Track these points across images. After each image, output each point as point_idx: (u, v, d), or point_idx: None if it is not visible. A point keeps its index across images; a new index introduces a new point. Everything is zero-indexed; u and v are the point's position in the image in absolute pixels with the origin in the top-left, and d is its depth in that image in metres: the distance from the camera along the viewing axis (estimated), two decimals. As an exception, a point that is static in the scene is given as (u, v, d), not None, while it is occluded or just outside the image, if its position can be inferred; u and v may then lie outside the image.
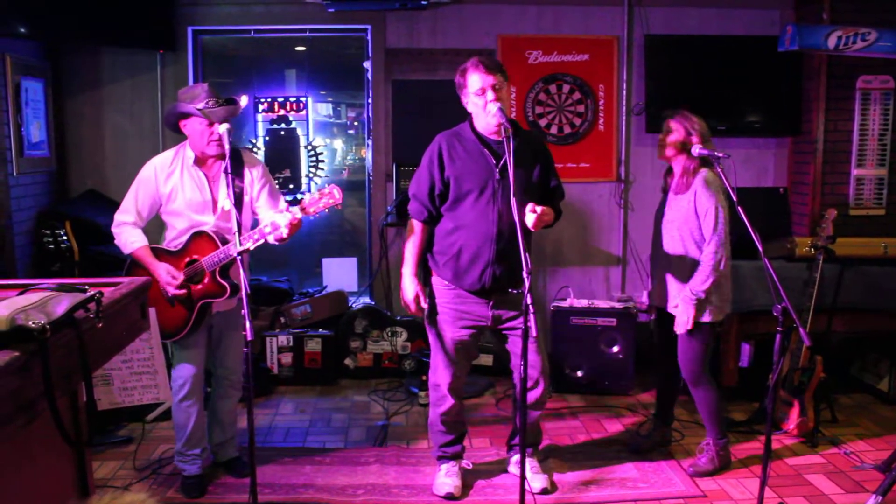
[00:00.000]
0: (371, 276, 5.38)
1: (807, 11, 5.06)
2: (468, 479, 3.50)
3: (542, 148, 3.35)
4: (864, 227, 5.05)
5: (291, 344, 4.90)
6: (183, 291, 3.19)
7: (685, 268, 3.47)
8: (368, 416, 4.41)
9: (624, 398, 4.65)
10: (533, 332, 2.62)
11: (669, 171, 3.62)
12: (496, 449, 3.86)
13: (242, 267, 2.87)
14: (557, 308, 4.79)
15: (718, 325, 3.52)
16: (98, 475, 3.51)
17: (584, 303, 4.81)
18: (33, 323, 1.55)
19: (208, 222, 3.27)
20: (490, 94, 3.09)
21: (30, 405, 1.55)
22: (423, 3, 4.93)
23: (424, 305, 3.33)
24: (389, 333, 5.06)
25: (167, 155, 3.31)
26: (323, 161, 5.53)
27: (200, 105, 3.13)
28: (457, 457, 3.50)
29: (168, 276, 3.17)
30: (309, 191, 5.47)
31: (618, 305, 4.79)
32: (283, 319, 5.09)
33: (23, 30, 4.36)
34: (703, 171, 3.42)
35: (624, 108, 5.34)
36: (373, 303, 5.36)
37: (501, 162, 3.15)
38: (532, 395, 3.32)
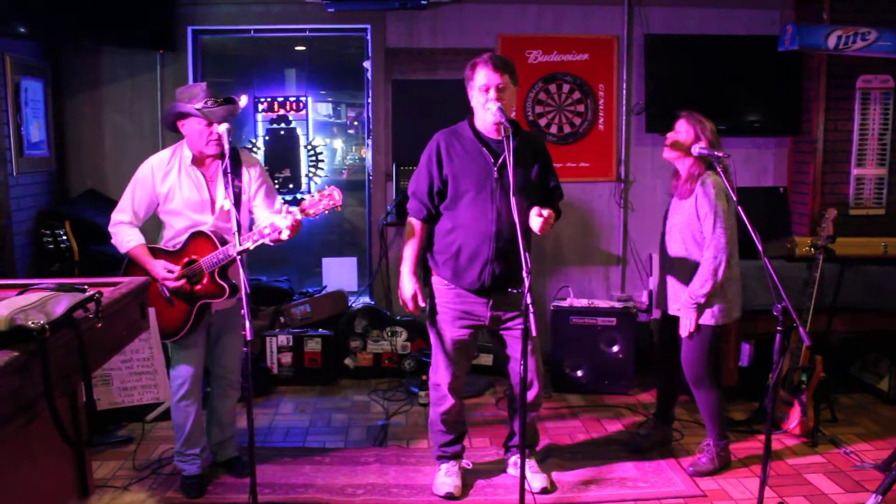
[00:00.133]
0: (371, 275, 5.38)
1: (807, 11, 5.06)
2: (468, 479, 3.50)
3: (542, 148, 3.35)
4: (864, 227, 5.05)
5: (291, 344, 4.90)
6: (181, 283, 3.18)
7: (687, 271, 3.47)
8: (368, 416, 4.41)
9: (624, 398, 4.65)
10: (533, 332, 2.62)
11: (676, 173, 3.60)
12: (496, 449, 3.86)
13: (242, 266, 2.87)
14: (557, 308, 4.78)
15: (721, 328, 3.51)
16: (98, 475, 3.51)
17: (583, 302, 4.81)
18: (33, 323, 1.55)
19: (207, 222, 3.26)
20: (492, 93, 3.09)
21: (29, 405, 1.55)
22: (422, 2, 4.93)
23: (422, 304, 3.33)
24: (389, 333, 5.06)
25: (164, 154, 3.30)
26: (323, 161, 5.53)
27: (199, 105, 3.13)
28: (457, 456, 3.50)
29: (164, 272, 3.16)
30: (309, 190, 5.47)
31: (617, 305, 4.78)
32: (282, 319, 5.09)
33: (22, 29, 4.36)
34: (707, 176, 3.40)
35: (624, 107, 5.34)
36: (373, 302, 5.36)
37: (499, 161, 3.15)
38: (527, 397, 3.32)
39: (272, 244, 3.09)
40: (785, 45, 4.60)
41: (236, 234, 2.90)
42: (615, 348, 4.70)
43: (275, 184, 5.33)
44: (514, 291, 3.21)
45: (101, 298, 1.83)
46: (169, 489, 3.44)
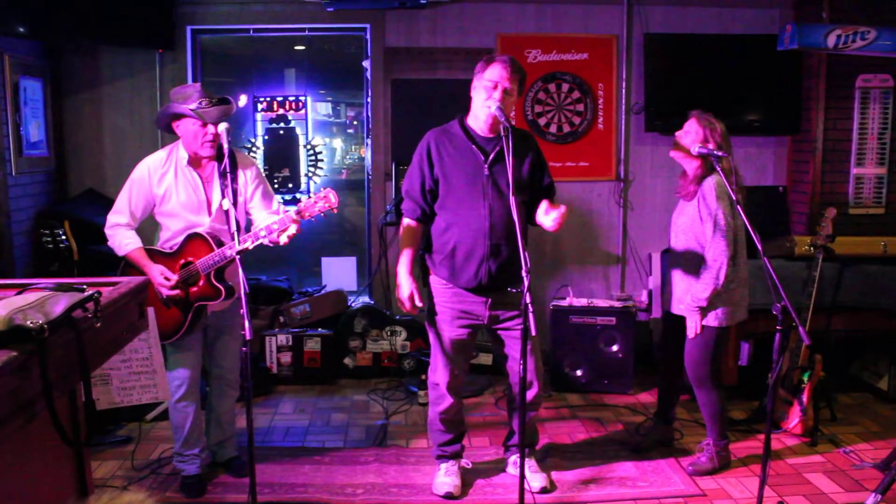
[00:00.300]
0: (370, 275, 5.37)
1: (806, 10, 5.06)
2: (468, 479, 3.50)
3: (535, 146, 3.35)
4: (864, 226, 5.06)
5: (291, 343, 4.89)
6: (177, 292, 3.18)
7: (691, 272, 3.46)
8: (368, 416, 4.41)
9: (623, 397, 4.64)
10: (533, 332, 2.62)
11: (684, 172, 3.57)
12: (495, 448, 3.86)
13: (241, 266, 2.87)
14: (557, 307, 4.78)
15: (725, 329, 3.50)
16: (97, 475, 3.51)
17: (583, 302, 4.80)
18: (31, 323, 1.55)
19: (203, 223, 3.25)
20: (497, 92, 3.09)
21: (28, 405, 1.55)
22: (422, 2, 4.93)
23: (420, 304, 3.33)
24: (389, 333, 5.06)
25: (160, 155, 3.28)
26: (322, 160, 5.53)
27: (193, 105, 3.11)
28: (456, 456, 3.50)
29: (161, 278, 3.15)
30: (308, 190, 5.47)
31: (617, 304, 4.78)
32: (282, 319, 5.08)
33: (21, 29, 4.36)
34: (711, 178, 3.38)
35: (623, 106, 5.34)
36: (372, 302, 5.36)
37: (490, 158, 3.16)
38: (526, 396, 3.32)
39: (270, 244, 3.09)
40: (784, 45, 4.60)
41: (236, 234, 2.90)
42: (615, 348, 4.70)
43: (274, 183, 5.37)
44: (514, 291, 3.21)
45: (100, 298, 1.83)
46: (168, 489, 3.43)
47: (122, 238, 3.22)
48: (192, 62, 5.21)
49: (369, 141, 5.33)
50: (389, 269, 5.13)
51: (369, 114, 5.29)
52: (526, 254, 2.76)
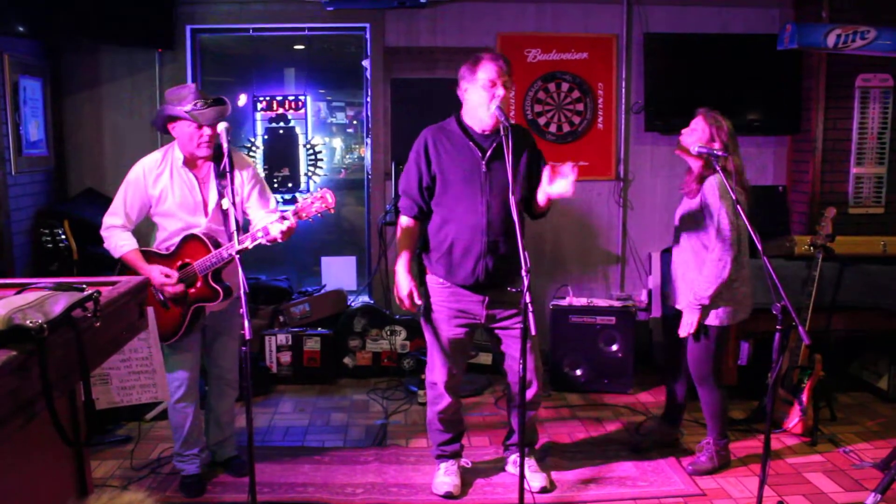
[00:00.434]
0: (370, 274, 5.37)
1: (806, 10, 5.06)
2: (467, 478, 3.50)
3: (532, 141, 3.36)
4: (864, 226, 5.06)
5: (290, 343, 4.89)
6: (180, 288, 3.17)
7: (692, 270, 3.46)
8: (367, 415, 4.41)
9: (623, 397, 4.64)
10: (532, 332, 2.62)
11: (689, 169, 3.55)
12: (495, 447, 3.86)
13: (240, 266, 2.86)
14: (556, 306, 4.78)
15: (727, 328, 3.50)
16: (97, 474, 3.51)
17: (583, 301, 4.80)
18: (31, 322, 1.55)
19: (200, 224, 3.24)
20: (500, 90, 3.10)
21: (28, 405, 1.54)
22: (422, 1, 4.93)
23: (419, 302, 3.32)
24: (388, 332, 5.06)
25: (155, 156, 3.27)
26: (322, 160, 5.53)
27: (188, 107, 3.10)
28: (455, 455, 3.50)
29: (161, 277, 3.13)
30: (308, 189, 5.47)
31: (617, 304, 4.78)
32: (281, 318, 5.08)
33: (21, 28, 4.35)
34: (713, 178, 3.35)
35: (623, 106, 5.34)
36: (372, 301, 5.36)
37: (487, 155, 3.17)
38: (526, 395, 3.31)
39: (268, 243, 3.09)
40: (784, 44, 4.60)
41: (235, 234, 2.89)
42: (614, 347, 4.70)
43: (273, 183, 5.37)
44: (513, 290, 3.21)
45: (100, 298, 1.83)
46: (168, 488, 3.43)
47: (117, 240, 3.21)
48: (192, 62, 5.21)
49: (369, 140, 5.33)
50: (389, 269, 5.13)
51: (369, 113, 5.29)
52: (526, 253, 2.76)
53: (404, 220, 3.33)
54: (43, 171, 4.91)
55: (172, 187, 3.22)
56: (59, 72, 5.05)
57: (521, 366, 2.79)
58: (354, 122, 6.02)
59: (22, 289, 1.83)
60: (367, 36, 5.22)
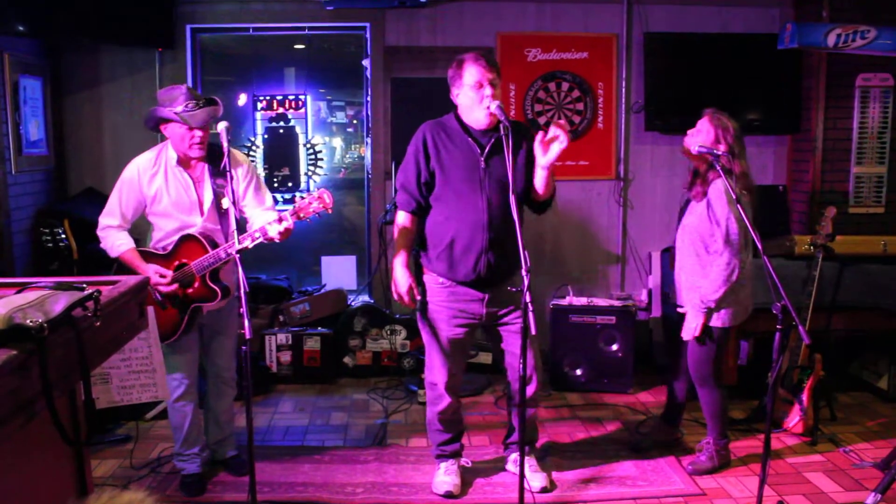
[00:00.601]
0: (370, 274, 5.37)
1: (806, 9, 5.06)
2: (467, 478, 3.50)
3: (530, 135, 3.33)
4: (864, 225, 5.06)
5: (290, 342, 4.89)
6: (174, 287, 3.17)
7: (693, 271, 3.45)
8: (367, 415, 4.40)
9: (623, 396, 4.64)
10: (532, 331, 2.62)
11: (694, 170, 3.52)
12: (495, 447, 3.85)
13: (240, 265, 2.86)
14: (556, 306, 4.78)
15: (729, 330, 3.50)
16: (97, 474, 3.51)
17: (583, 301, 4.80)
18: (31, 322, 1.55)
19: (195, 223, 3.24)
20: (488, 90, 3.10)
21: (28, 404, 1.54)
22: (422, 0, 4.93)
23: (418, 297, 3.32)
24: (388, 332, 5.06)
25: (149, 155, 3.26)
26: (322, 159, 5.53)
27: (179, 108, 3.08)
28: (455, 455, 3.49)
29: (156, 276, 3.13)
30: (308, 189, 5.46)
31: (617, 303, 4.78)
32: (282, 318, 5.08)
33: (21, 28, 4.35)
34: (719, 181, 3.30)
35: (623, 105, 5.34)
36: (372, 301, 5.36)
37: (486, 151, 3.17)
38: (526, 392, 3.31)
39: (265, 241, 3.09)
40: (784, 44, 4.60)
41: (235, 233, 2.89)
42: (614, 347, 4.70)
43: (274, 183, 5.37)
44: (513, 290, 3.20)
45: (100, 297, 1.82)
46: (168, 487, 3.43)
47: (114, 239, 3.20)
48: (192, 61, 5.21)
49: (369, 140, 5.33)
50: (389, 268, 5.12)
51: (369, 112, 5.29)
52: (526, 253, 2.76)
53: (402, 216, 3.32)
54: (43, 171, 4.91)
55: (167, 187, 3.22)
56: (59, 71, 5.05)
57: (520, 363, 2.79)
58: (354, 121, 6.03)
59: (22, 288, 1.83)
60: (368, 35, 5.22)
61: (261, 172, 5.38)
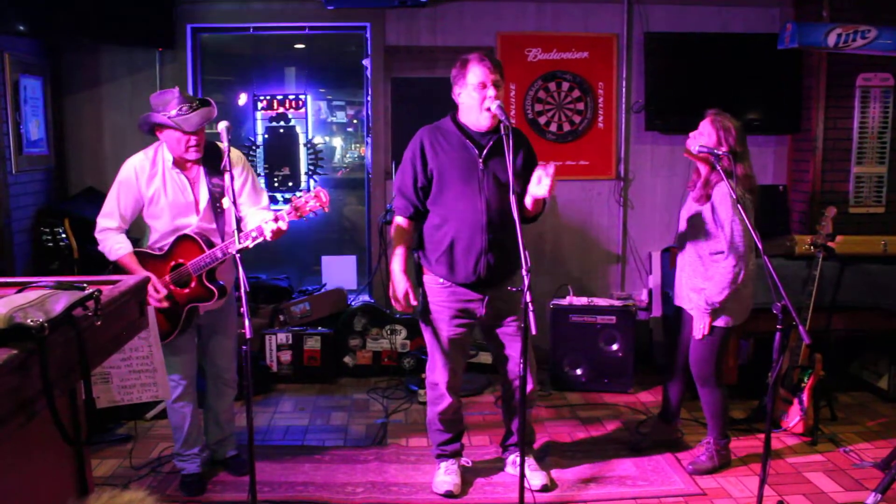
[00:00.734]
0: (370, 274, 5.37)
1: (807, 9, 5.05)
2: (468, 477, 3.50)
3: (526, 141, 3.36)
4: (864, 225, 5.06)
5: (290, 342, 4.89)
6: (166, 304, 3.15)
7: (695, 272, 3.45)
8: (368, 415, 4.41)
9: (623, 396, 4.64)
10: (533, 331, 2.61)
11: (697, 170, 3.51)
12: (495, 447, 3.85)
13: (241, 265, 2.86)
14: (556, 306, 4.78)
15: (732, 329, 3.49)
16: (97, 473, 3.51)
17: (583, 301, 4.80)
18: (31, 321, 1.55)
19: (191, 223, 3.23)
20: (491, 91, 3.10)
21: (28, 404, 1.54)
22: (422, 0, 4.93)
23: (415, 302, 3.32)
24: (389, 331, 5.06)
25: (145, 156, 3.24)
26: (322, 159, 5.53)
27: (173, 112, 3.06)
28: (456, 455, 3.50)
29: (150, 289, 3.07)
30: (308, 188, 5.46)
31: (617, 303, 4.78)
32: (282, 317, 5.08)
33: (21, 27, 4.35)
34: (724, 185, 3.27)
35: (623, 105, 5.34)
36: (372, 301, 5.36)
37: (484, 153, 3.17)
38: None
39: (262, 241, 3.09)
40: (785, 43, 4.60)
41: (236, 233, 2.88)
42: (615, 346, 4.70)
43: (274, 182, 5.36)
44: (514, 290, 3.20)
45: (101, 296, 1.82)
46: (168, 487, 3.43)
47: (112, 242, 3.19)
48: (192, 61, 5.21)
49: (369, 139, 5.33)
50: (388, 271, 5.13)
51: (369, 112, 5.29)
52: (526, 252, 2.76)
53: (399, 221, 3.32)
54: (43, 170, 4.91)
55: (165, 189, 3.20)
56: (59, 71, 5.05)
57: (520, 366, 2.79)
58: (355, 121, 6.03)
59: (23, 287, 1.83)
60: (368, 35, 5.22)
61: (261, 172, 5.38)
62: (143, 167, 3.21)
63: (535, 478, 3.39)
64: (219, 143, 3.31)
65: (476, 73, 3.12)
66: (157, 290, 3.12)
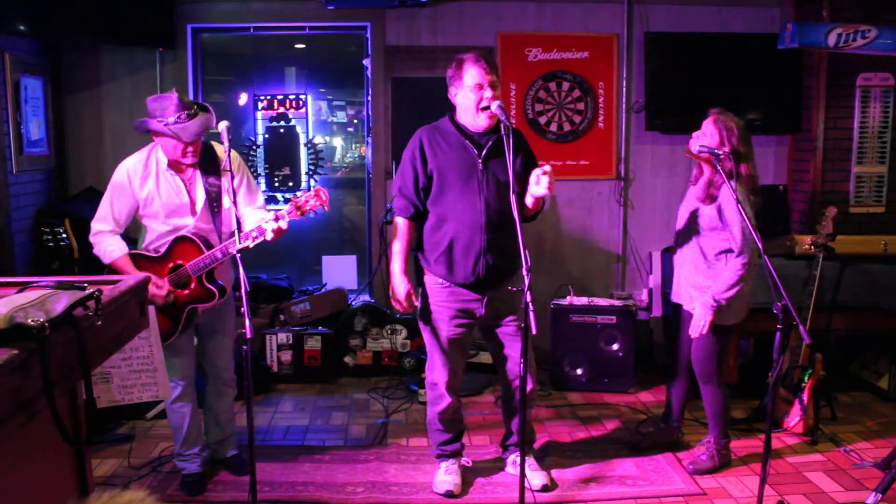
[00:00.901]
0: (371, 273, 5.37)
1: (807, 9, 5.05)
2: (468, 477, 3.50)
3: (524, 141, 3.35)
4: (864, 225, 5.06)
5: (291, 342, 4.89)
6: (170, 298, 3.14)
7: (697, 270, 3.45)
8: (368, 414, 4.41)
9: (623, 396, 4.64)
10: (533, 331, 2.61)
11: (699, 167, 3.50)
12: (495, 447, 3.85)
13: (241, 265, 2.86)
14: (557, 306, 4.78)
15: (734, 327, 3.49)
16: (97, 473, 3.51)
17: (583, 300, 4.80)
18: (32, 321, 1.55)
19: (187, 224, 3.22)
20: (489, 92, 3.10)
21: (29, 403, 1.54)
22: (422, 0, 4.93)
23: (416, 303, 3.32)
24: (389, 331, 5.06)
25: (138, 158, 3.22)
26: (322, 159, 5.53)
27: (171, 119, 3.03)
28: (456, 455, 3.50)
29: (153, 287, 3.07)
30: (308, 188, 5.46)
31: (617, 303, 4.78)
32: (282, 317, 5.08)
33: (22, 27, 4.36)
34: (728, 187, 3.23)
35: (624, 105, 5.34)
36: (372, 300, 5.36)
37: (483, 153, 3.17)
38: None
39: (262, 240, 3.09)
40: (785, 43, 4.60)
41: (237, 233, 2.88)
42: (615, 346, 4.70)
43: (274, 182, 5.36)
44: (514, 290, 3.20)
45: (101, 296, 1.82)
46: (169, 487, 3.44)
47: (107, 245, 3.17)
48: (193, 60, 5.21)
49: (369, 139, 5.33)
50: (388, 272, 5.13)
51: (369, 112, 5.29)
52: (526, 252, 2.76)
53: (399, 221, 3.32)
54: (44, 170, 4.91)
55: (159, 191, 3.19)
56: (59, 71, 5.05)
57: (520, 366, 2.79)
58: (355, 120, 6.03)
59: (23, 287, 1.83)
60: (368, 35, 5.22)
61: (261, 172, 5.38)
62: (136, 169, 3.19)
63: (536, 477, 3.39)
64: (214, 143, 3.32)
65: (472, 75, 3.12)
66: (158, 286, 3.11)
